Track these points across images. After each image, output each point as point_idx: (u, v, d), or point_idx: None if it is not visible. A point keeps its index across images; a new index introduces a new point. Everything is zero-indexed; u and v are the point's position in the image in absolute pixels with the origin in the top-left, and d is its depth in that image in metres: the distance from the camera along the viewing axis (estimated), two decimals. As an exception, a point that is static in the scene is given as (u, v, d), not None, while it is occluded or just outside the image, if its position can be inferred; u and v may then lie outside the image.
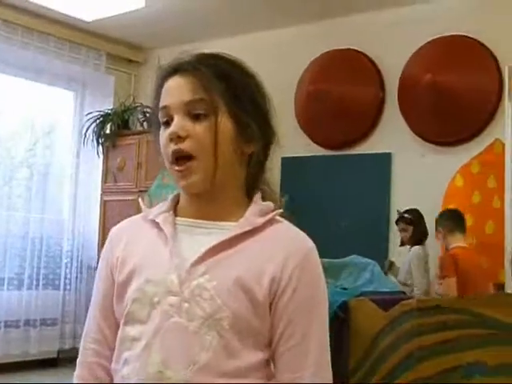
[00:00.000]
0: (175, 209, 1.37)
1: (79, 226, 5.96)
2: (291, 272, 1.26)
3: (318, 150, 6.36)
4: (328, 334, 1.32)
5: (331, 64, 6.29)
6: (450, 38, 5.69)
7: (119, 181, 6.86)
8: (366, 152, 6.09)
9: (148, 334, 1.25)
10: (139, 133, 6.86)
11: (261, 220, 1.30)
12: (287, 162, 6.51)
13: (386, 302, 4.59)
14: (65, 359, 6.16)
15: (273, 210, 1.33)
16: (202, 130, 1.26)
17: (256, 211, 1.32)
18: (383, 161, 5.95)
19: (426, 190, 5.44)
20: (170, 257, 1.27)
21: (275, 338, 1.27)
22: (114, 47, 7.35)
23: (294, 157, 6.46)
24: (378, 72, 6.09)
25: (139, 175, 6.70)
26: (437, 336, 4.12)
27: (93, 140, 6.91)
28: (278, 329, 1.26)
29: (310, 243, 1.32)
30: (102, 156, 7.03)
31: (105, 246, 1.41)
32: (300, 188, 6.37)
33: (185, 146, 1.26)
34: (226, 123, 1.28)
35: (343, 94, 6.14)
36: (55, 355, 6.72)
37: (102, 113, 6.97)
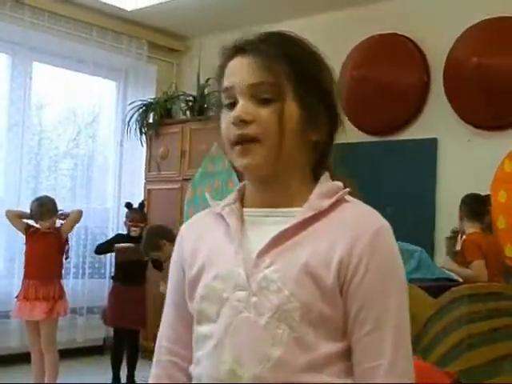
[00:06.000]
0: (242, 199, 1.32)
1: (123, 215, 5.99)
2: (360, 253, 1.17)
3: (361, 137, 6.27)
4: (409, 319, 1.21)
5: (375, 49, 6.19)
6: (496, 20, 5.54)
7: (163, 169, 6.88)
8: (411, 138, 5.98)
9: (218, 332, 1.21)
10: (182, 121, 6.87)
11: (326, 202, 1.23)
12: (330, 149, 6.46)
13: (435, 288, 4.53)
14: (111, 347, 6.21)
15: (341, 190, 1.26)
16: (267, 114, 1.20)
17: (321, 193, 1.25)
18: (429, 146, 5.84)
19: (473, 176, 5.33)
20: (236, 251, 1.23)
21: (349, 326, 1.18)
22: (155, 36, 7.36)
23: (336, 143, 6.38)
24: (423, 56, 5.97)
25: (183, 164, 6.70)
26: (488, 323, 4.05)
27: (136, 129, 6.93)
28: (351, 315, 1.17)
29: (380, 221, 1.23)
30: (145, 145, 7.06)
31: (176, 243, 1.38)
32: (343, 174, 6.30)
33: (249, 130, 1.20)
34: (291, 108, 1.21)
35: (387, 78, 6.05)
36: (101, 343, 6.82)
37: (144, 102, 6.98)
